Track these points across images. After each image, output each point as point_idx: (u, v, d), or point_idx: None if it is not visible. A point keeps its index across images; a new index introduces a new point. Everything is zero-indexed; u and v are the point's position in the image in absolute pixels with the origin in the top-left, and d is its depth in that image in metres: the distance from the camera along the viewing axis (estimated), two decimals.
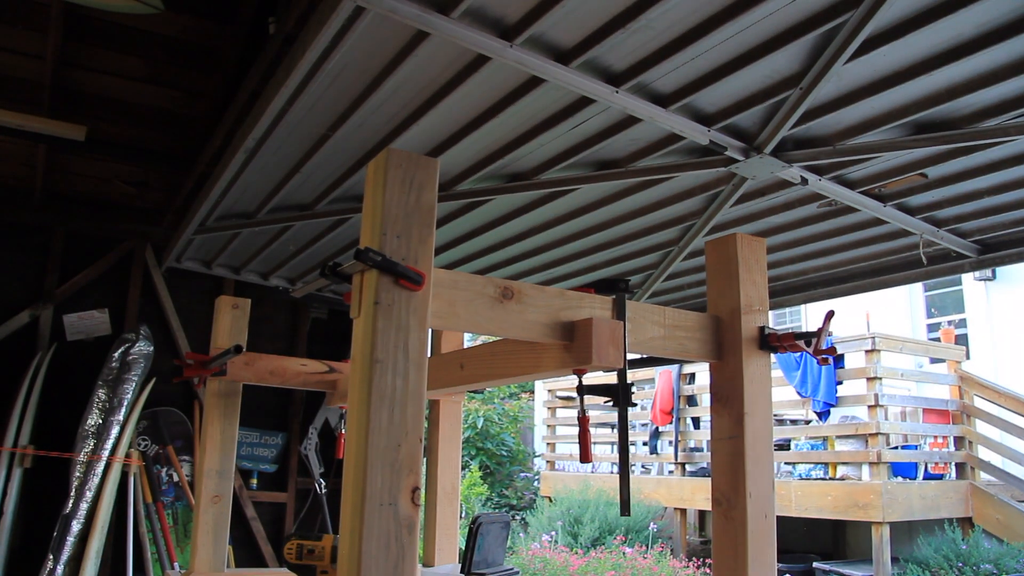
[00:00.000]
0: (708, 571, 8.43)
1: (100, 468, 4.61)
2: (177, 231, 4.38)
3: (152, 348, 4.99)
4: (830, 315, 2.21)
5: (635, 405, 10.30)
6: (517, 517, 12.33)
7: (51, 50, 3.46)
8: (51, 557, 4.36)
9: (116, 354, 4.84)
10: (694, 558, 9.14)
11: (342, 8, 1.99)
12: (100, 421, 4.71)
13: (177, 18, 3.39)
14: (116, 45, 3.57)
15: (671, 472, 10.43)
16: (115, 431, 4.71)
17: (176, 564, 4.76)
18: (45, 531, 4.50)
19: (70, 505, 4.50)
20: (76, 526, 4.46)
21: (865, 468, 7.96)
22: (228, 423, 3.41)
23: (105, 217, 5.17)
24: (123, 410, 4.76)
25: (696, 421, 10.27)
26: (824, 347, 2.19)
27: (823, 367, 8.36)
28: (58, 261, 5.07)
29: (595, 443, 11.82)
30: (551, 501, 11.33)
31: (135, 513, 4.83)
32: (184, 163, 4.34)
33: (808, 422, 9.23)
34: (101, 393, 4.76)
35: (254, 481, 5.56)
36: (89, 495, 4.55)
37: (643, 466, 11.32)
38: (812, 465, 8.79)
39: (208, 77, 3.80)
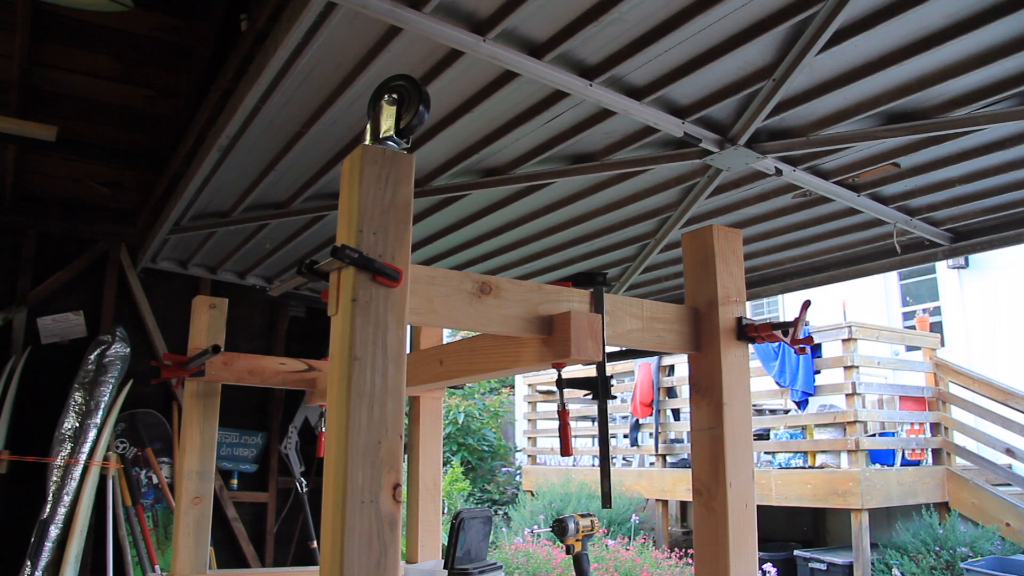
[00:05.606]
0: (690, 561, 8.48)
1: (78, 472, 4.56)
2: (152, 231, 4.33)
3: (129, 350, 4.93)
4: (806, 305, 2.22)
5: (614, 398, 10.37)
6: (499, 512, 12.35)
7: (18, 49, 3.40)
8: (29, 563, 4.30)
9: (92, 356, 4.79)
10: (676, 549, 9.20)
11: (313, 4, 1.99)
12: (77, 424, 4.66)
13: (148, 16, 3.35)
14: (86, 43, 3.53)
15: (652, 464, 10.47)
16: (92, 434, 4.65)
17: (157, 567, 4.71)
18: (22, 537, 4.43)
19: (47, 510, 4.44)
20: (54, 531, 4.40)
21: (844, 456, 8.04)
22: (207, 424, 3.38)
23: (78, 218, 5.11)
24: (100, 413, 4.71)
25: (676, 412, 10.30)
26: (801, 336, 2.21)
27: (801, 356, 8.43)
28: (31, 263, 4.99)
29: (576, 436, 11.82)
30: (533, 495, 11.34)
31: (114, 516, 4.77)
32: (157, 162, 4.29)
33: (787, 411, 9.30)
34: (77, 396, 4.70)
35: (235, 481, 5.52)
36: (67, 500, 4.48)
37: (624, 458, 11.35)
38: (791, 454, 8.86)
39: (180, 75, 3.76)
